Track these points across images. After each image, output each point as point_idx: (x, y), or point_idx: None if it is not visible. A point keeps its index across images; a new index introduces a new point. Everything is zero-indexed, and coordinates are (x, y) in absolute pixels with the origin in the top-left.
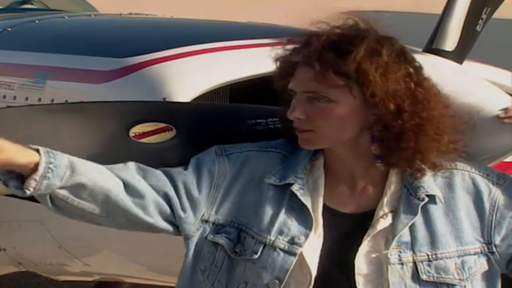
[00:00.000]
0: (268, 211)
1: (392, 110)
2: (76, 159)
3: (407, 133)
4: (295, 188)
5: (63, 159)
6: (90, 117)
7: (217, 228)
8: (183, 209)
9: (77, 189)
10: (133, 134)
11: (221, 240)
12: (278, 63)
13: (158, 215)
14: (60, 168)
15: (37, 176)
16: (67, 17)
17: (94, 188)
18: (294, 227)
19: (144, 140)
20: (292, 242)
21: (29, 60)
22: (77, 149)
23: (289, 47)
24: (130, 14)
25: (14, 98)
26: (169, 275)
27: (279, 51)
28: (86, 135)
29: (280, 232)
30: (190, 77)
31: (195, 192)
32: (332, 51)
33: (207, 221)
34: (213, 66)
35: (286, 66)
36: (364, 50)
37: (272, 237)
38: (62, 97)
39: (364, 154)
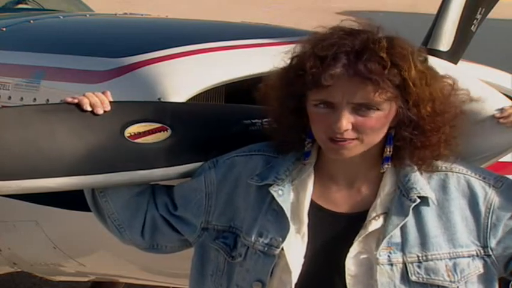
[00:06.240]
0: (251, 213)
1: (429, 114)
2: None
3: (437, 132)
4: (273, 189)
5: None
6: (85, 117)
7: (218, 234)
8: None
9: None
10: (128, 134)
11: (219, 245)
12: (301, 73)
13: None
14: None
15: None
16: (62, 17)
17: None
18: (272, 229)
19: (139, 140)
20: (270, 244)
21: (24, 60)
22: (73, 150)
23: (311, 54)
24: (125, 14)
25: (9, 98)
26: (164, 275)
27: (290, 56)
28: (82, 135)
29: (260, 234)
30: (186, 77)
31: (185, 213)
32: (380, 64)
33: (207, 229)
34: (208, 67)
35: (323, 79)
36: (410, 61)
37: (253, 239)
38: (57, 97)
39: (371, 155)
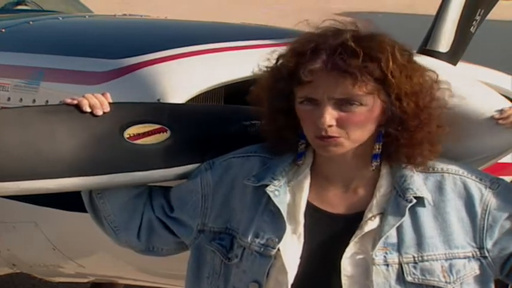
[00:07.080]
0: (247, 214)
1: (412, 109)
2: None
3: (421, 129)
4: (269, 190)
5: None
6: (85, 118)
7: (214, 235)
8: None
9: None
10: (128, 136)
11: (215, 247)
12: (286, 70)
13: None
14: None
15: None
16: (61, 18)
17: None
18: (268, 229)
19: (139, 142)
20: (266, 244)
21: (23, 62)
22: (72, 151)
23: (293, 52)
24: (124, 15)
25: (8, 99)
26: (162, 276)
27: (276, 56)
28: (81, 136)
29: (256, 235)
30: (185, 78)
31: (181, 215)
32: (358, 57)
33: (203, 230)
34: (207, 68)
35: (302, 74)
36: (389, 53)
37: (249, 240)
38: (57, 98)
39: (363, 154)
